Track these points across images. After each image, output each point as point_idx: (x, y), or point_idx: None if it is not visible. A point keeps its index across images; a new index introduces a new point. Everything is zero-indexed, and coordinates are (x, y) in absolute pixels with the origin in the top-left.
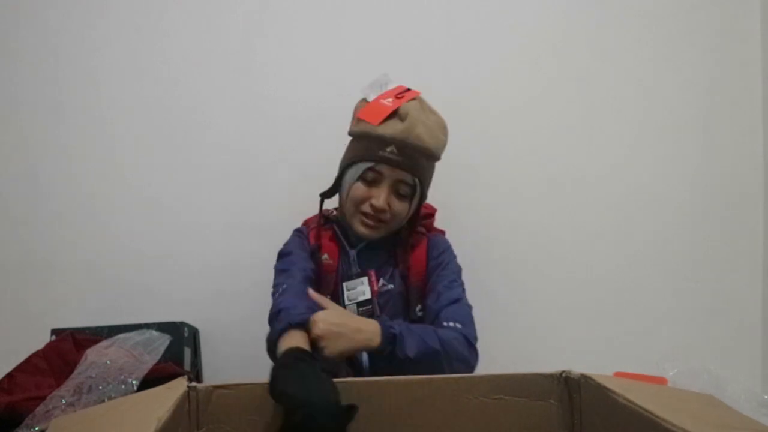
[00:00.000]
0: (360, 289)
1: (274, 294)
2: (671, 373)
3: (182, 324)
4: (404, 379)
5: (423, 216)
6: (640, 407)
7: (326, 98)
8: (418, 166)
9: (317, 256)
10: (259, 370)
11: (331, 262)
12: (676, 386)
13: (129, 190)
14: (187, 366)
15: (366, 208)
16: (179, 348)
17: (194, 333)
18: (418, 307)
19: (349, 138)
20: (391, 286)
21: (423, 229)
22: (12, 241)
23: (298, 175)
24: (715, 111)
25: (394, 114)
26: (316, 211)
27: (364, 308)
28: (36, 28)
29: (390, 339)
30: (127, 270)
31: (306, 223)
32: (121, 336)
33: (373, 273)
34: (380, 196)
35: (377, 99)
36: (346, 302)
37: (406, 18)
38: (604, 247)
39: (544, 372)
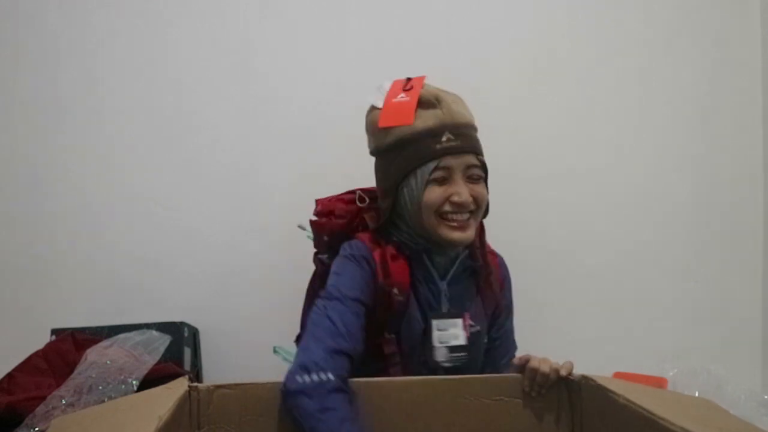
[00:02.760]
0: (453, 332)
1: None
2: (671, 373)
3: (182, 324)
4: (405, 380)
5: None
6: (640, 407)
7: (326, 99)
8: (477, 144)
9: (385, 292)
10: (259, 369)
11: (401, 298)
12: (676, 386)
13: (129, 190)
14: (187, 366)
15: (447, 207)
16: (179, 348)
17: (194, 333)
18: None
19: (373, 158)
20: (478, 327)
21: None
22: (12, 241)
23: (299, 176)
24: (715, 111)
25: (419, 105)
26: (312, 208)
27: (457, 354)
28: (35, 28)
29: None
30: (127, 270)
31: (362, 238)
32: (121, 336)
33: (468, 316)
34: (461, 190)
35: (388, 101)
36: (436, 344)
37: (406, 17)
38: (604, 247)
39: None
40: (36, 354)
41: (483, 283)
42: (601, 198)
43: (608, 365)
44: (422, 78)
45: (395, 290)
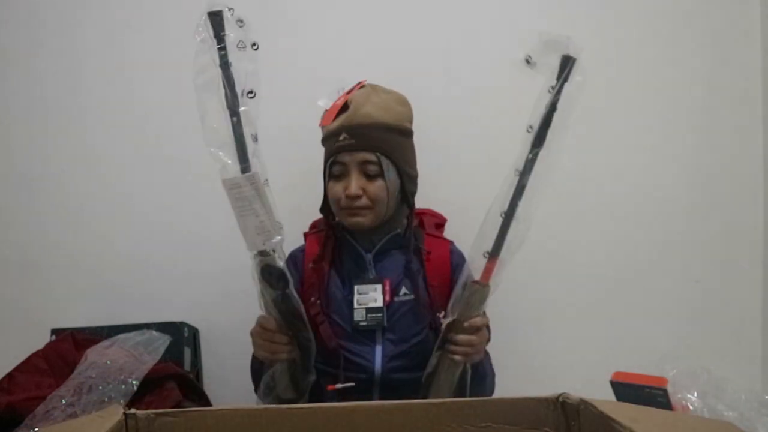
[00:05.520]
0: (372, 295)
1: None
2: (671, 373)
3: (182, 324)
4: (383, 404)
5: (436, 225)
6: None
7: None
8: (376, 141)
9: (313, 270)
10: None
11: (325, 270)
12: (676, 386)
13: (129, 190)
14: (187, 366)
15: (344, 201)
16: (179, 348)
17: (194, 333)
18: (442, 313)
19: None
20: (413, 296)
21: (438, 234)
22: (12, 241)
23: (299, 175)
24: (715, 111)
25: (344, 108)
26: (315, 210)
27: (374, 315)
28: (28, 29)
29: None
30: (127, 270)
31: (312, 226)
32: (121, 336)
33: (388, 282)
34: (350, 184)
35: (332, 103)
36: (356, 306)
37: (405, 17)
38: (604, 247)
39: (539, 396)
40: (36, 354)
41: (417, 260)
42: (601, 198)
43: (608, 365)
44: (360, 84)
45: (323, 264)
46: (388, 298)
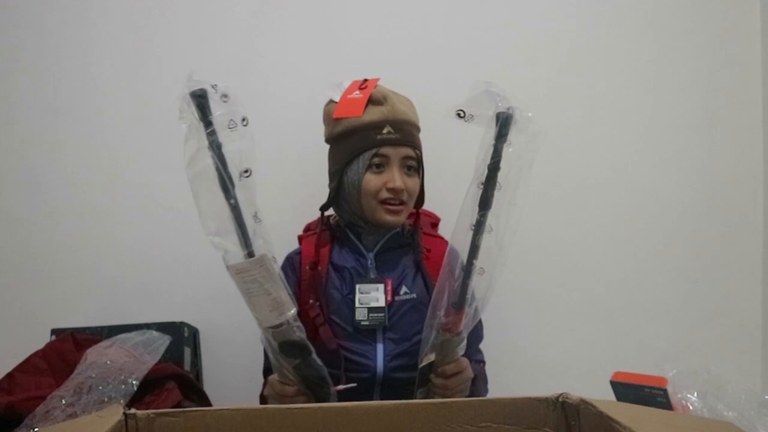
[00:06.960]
0: (374, 294)
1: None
2: (671, 374)
3: (182, 324)
4: (383, 404)
5: (431, 224)
6: None
7: (326, 98)
8: (415, 139)
9: (309, 272)
10: (258, 369)
11: (322, 272)
12: (676, 386)
13: (129, 189)
14: (187, 366)
15: (384, 194)
16: (179, 348)
17: (194, 333)
18: (443, 311)
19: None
20: (413, 295)
21: (434, 232)
22: (12, 241)
23: (299, 175)
24: (715, 111)
25: (369, 101)
26: (315, 210)
27: (376, 315)
28: (35, 28)
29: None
30: (127, 270)
31: (307, 228)
32: (121, 336)
33: (390, 282)
34: (395, 178)
35: (344, 96)
36: (357, 305)
37: (404, 18)
38: (604, 248)
39: (539, 396)
40: (36, 354)
41: (417, 259)
42: (601, 198)
43: (608, 365)
44: (377, 79)
45: (318, 267)
46: (389, 297)
